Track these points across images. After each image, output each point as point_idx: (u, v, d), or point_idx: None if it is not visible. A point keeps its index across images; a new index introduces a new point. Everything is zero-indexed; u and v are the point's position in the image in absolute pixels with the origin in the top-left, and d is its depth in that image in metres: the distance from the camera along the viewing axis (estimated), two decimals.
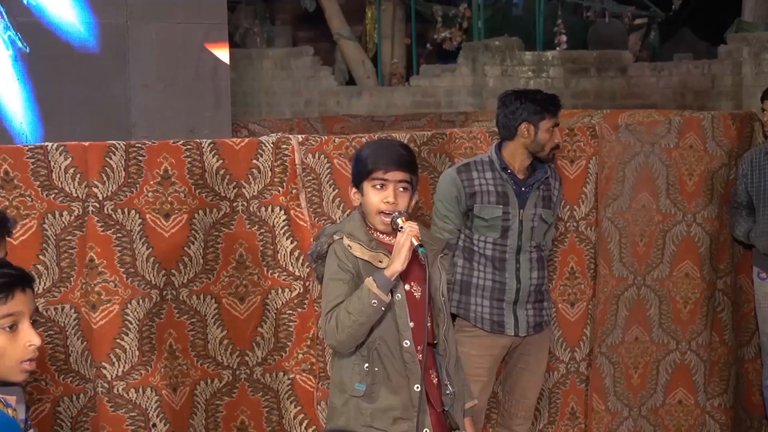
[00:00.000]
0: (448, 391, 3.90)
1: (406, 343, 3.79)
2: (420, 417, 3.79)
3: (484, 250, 4.90)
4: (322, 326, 3.86)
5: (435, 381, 3.90)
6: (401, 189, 3.81)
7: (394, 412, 3.80)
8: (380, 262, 3.77)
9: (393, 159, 3.81)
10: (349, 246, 3.79)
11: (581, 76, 11.81)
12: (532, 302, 4.95)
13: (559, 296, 5.44)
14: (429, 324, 3.87)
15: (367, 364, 3.80)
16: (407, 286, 3.82)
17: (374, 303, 3.69)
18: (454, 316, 4.77)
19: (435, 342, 3.91)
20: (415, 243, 3.71)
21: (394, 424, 3.80)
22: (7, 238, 3.29)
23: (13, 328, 2.58)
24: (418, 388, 3.80)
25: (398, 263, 3.71)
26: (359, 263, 3.78)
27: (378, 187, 3.80)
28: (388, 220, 3.80)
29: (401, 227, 3.74)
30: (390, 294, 3.74)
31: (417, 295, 3.85)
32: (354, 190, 3.88)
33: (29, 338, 2.59)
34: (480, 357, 4.93)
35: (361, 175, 3.83)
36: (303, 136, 4.83)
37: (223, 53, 7.69)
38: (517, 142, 4.90)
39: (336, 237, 3.83)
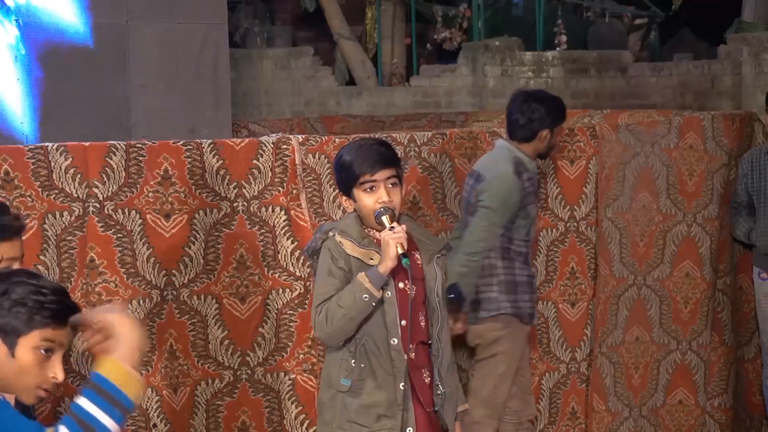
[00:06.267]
0: (439, 392, 3.90)
1: (394, 341, 3.80)
2: (404, 415, 3.80)
3: (518, 248, 5.06)
4: (312, 319, 3.87)
5: (427, 380, 3.90)
6: (391, 185, 3.82)
7: (378, 408, 3.81)
8: (371, 259, 3.79)
9: (376, 159, 3.82)
10: (340, 243, 3.81)
11: (581, 77, 11.80)
12: None
13: (560, 296, 5.45)
14: (423, 323, 3.89)
15: (353, 360, 3.82)
16: (401, 284, 3.82)
17: (365, 297, 3.72)
18: (509, 315, 5.02)
19: (429, 341, 3.92)
20: (400, 251, 3.72)
21: (377, 421, 3.81)
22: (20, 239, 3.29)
23: (48, 353, 2.55)
24: (403, 386, 3.80)
25: (389, 260, 3.72)
26: (351, 260, 3.80)
27: (369, 189, 3.81)
28: None
29: (390, 227, 3.74)
30: (381, 290, 3.75)
31: (411, 293, 3.85)
32: (344, 198, 3.89)
33: (56, 371, 2.56)
34: (523, 349, 5.17)
35: (348, 182, 3.84)
36: (303, 136, 4.83)
37: (223, 53, 7.68)
38: (533, 144, 5.07)
39: (330, 234, 3.86)
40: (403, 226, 3.77)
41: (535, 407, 5.32)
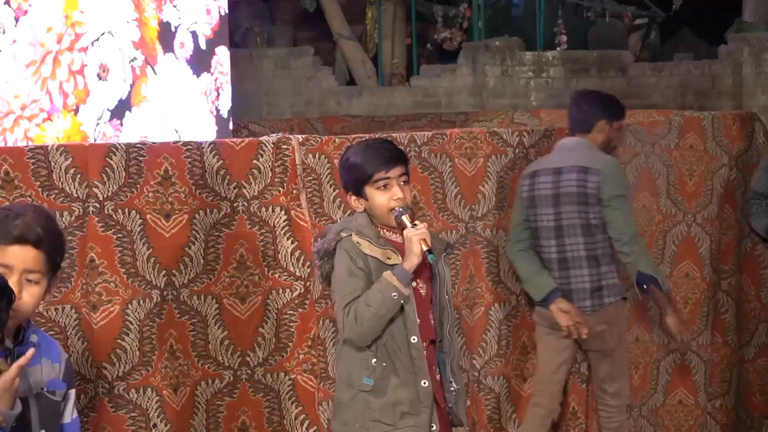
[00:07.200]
0: (452, 388, 3.95)
1: (414, 339, 3.83)
2: (428, 412, 3.83)
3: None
4: (339, 320, 3.89)
5: (437, 378, 3.94)
6: (402, 182, 3.88)
7: (401, 407, 3.83)
8: (389, 258, 3.82)
9: (389, 156, 3.88)
10: (358, 243, 3.83)
11: (581, 77, 11.79)
12: None
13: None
14: (432, 321, 3.92)
15: (375, 359, 3.84)
16: (414, 283, 3.86)
17: (394, 295, 3.75)
18: (624, 299, 5.25)
19: (438, 339, 3.94)
20: (424, 248, 3.77)
21: (401, 419, 3.83)
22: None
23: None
24: (425, 383, 3.84)
25: (414, 257, 3.76)
26: (369, 260, 3.83)
27: (382, 187, 3.84)
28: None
29: (414, 224, 3.80)
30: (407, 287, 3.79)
31: (422, 292, 3.91)
32: (354, 197, 3.92)
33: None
34: None
35: (361, 181, 3.87)
36: (303, 136, 4.83)
37: (223, 53, 7.69)
38: (593, 135, 5.22)
39: (344, 234, 3.87)
40: (425, 223, 3.84)
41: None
